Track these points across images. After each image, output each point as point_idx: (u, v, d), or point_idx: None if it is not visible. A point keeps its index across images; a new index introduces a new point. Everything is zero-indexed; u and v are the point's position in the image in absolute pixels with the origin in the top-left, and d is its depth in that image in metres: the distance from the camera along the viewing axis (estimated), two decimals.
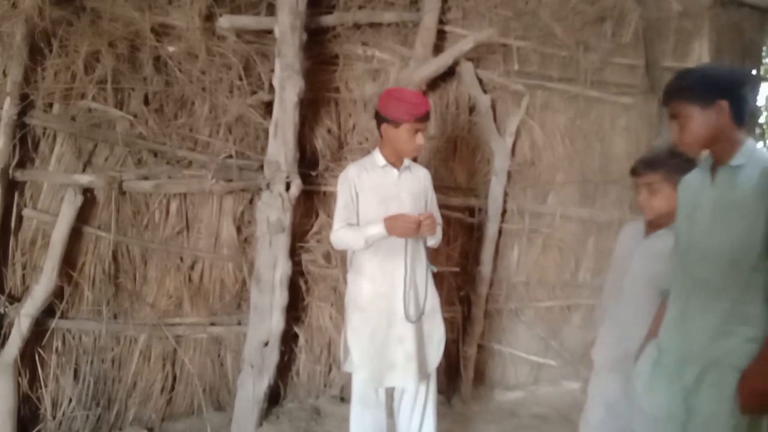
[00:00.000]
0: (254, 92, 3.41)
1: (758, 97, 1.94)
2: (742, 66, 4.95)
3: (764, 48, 5.86)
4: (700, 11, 4.38)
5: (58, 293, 3.02)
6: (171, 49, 3.20)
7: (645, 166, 2.33)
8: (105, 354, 3.19)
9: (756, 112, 2.06)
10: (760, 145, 1.87)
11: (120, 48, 3.11)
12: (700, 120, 1.88)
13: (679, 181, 2.15)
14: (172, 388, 3.37)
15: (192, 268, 3.40)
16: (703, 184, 1.94)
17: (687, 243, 1.95)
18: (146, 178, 3.18)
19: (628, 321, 2.33)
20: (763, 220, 1.75)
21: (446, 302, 3.87)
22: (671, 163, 2.25)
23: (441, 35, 3.84)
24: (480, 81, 3.93)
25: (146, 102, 3.22)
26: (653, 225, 2.35)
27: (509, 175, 4.03)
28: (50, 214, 3.01)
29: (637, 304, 2.31)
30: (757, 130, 5.66)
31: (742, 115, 1.87)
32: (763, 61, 6.20)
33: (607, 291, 2.57)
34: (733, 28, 4.73)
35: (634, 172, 2.36)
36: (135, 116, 3.15)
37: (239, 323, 3.47)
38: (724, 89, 1.87)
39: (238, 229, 3.48)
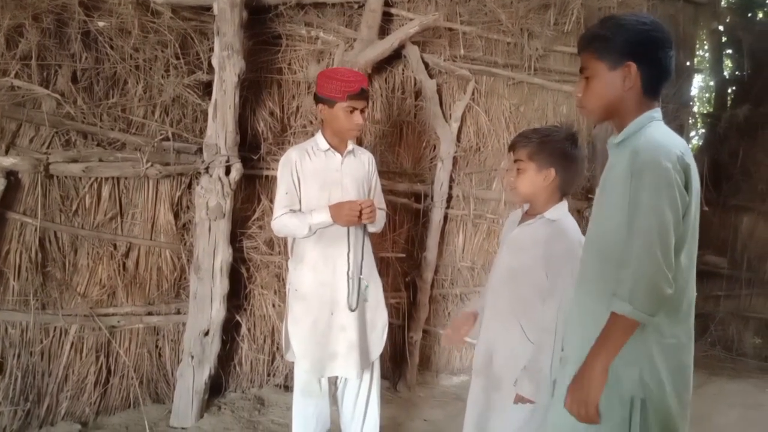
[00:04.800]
0: (192, 72, 3.28)
1: (673, 64, 1.58)
2: (677, 58, 5.14)
3: (698, 41, 6.10)
4: (639, 2, 4.49)
5: None
6: (101, 24, 3.04)
7: (513, 143, 2.10)
8: (33, 346, 3.03)
9: (669, 80, 1.69)
10: (659, 124, 1.58)
11: (46, 22, 2.92)
12: (605, 81, 1.57)
13: (545, 165, 1.99)
14: (107, 380, 3.23)
15: (126, 255, 3.26)
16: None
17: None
18: (75, 161, 3.01)
19: (489, 316, 2.15)
20: (625, 210, 1.47)
21: (392, 288, 3.86)
22: (536, 142, 2.03)
23: (387, 17, 3.79)
24: (426, 65, 3.91)
25: (75, 80, 3.04)
26: (529, 213, 2.12)
27: (455, 160, 4.04)
28: None
29: (496, 299, 2.13)
30: (690, 120, 5.86)
31: (654, 83, 1.57)
32: (697, 53, 6.46)
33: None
34: (669, 20, 4.89)
35: (509, 148, 2.13)
36: (62, 95, 2.98)
37: (178, 312, 3.36)
38: (636, 49, 1.53)
39: (176, 215, 3.36)
